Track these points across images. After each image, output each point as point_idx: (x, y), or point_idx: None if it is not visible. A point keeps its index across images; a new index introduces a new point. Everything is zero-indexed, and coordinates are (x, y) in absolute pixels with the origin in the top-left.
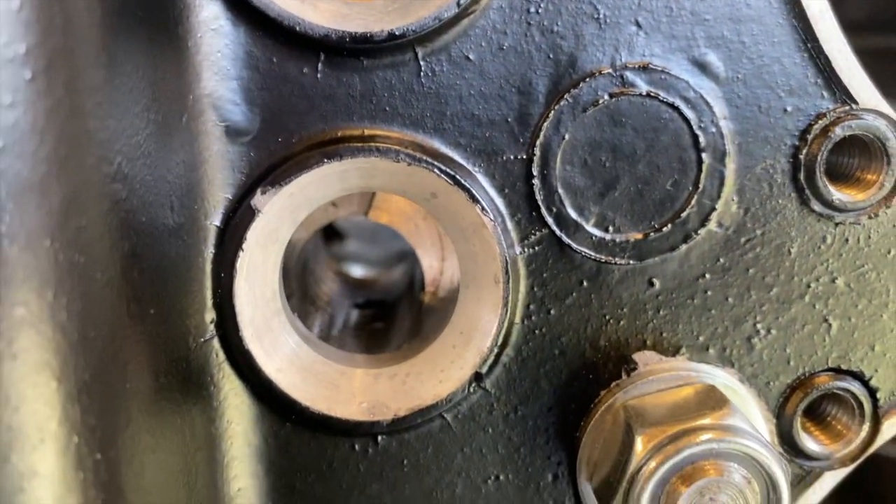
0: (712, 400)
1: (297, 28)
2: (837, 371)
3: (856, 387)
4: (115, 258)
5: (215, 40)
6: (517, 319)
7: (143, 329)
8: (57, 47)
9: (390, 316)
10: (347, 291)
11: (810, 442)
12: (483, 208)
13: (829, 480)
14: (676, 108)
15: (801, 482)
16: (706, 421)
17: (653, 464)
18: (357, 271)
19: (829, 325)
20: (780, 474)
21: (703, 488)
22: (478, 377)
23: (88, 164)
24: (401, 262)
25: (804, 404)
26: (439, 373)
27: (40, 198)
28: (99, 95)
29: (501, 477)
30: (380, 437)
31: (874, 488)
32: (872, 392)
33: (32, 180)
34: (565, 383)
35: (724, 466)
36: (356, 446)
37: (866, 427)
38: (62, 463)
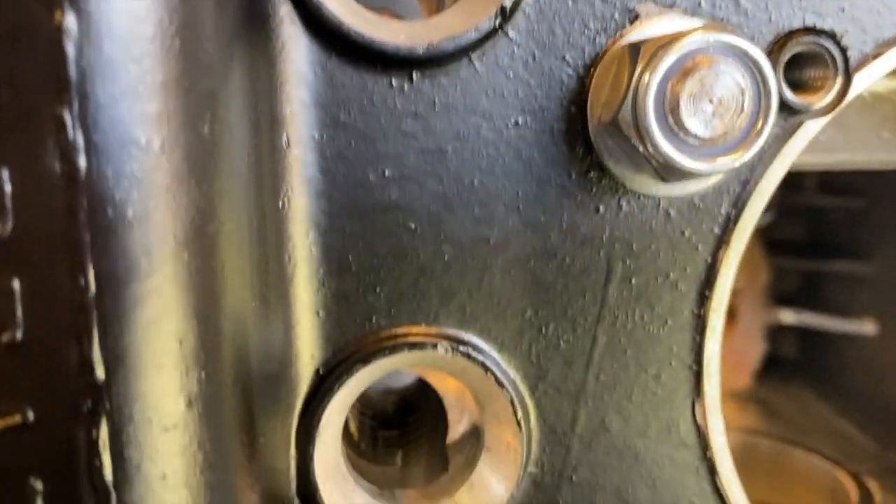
0: None
1: None
2: (813, 30)
3: (829, 44)
4: None
5: None
6: None
7: None
8: None
9: None
10: None
11: (792, 96)
12: None
13: (808, 131)
14: None
15: (784, 134)
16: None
17: (654, 64)
18: None
19: None
20: (769, 67)
21: (703, 79)
22: (503, 12)
23: None
24: None
25: (786, 57)
26: (469, 10)
27: None
28: None
29: (521, 121)
30: (414, 74)
31: None
32: (843, 50)
33: None
34: (577, 32)
35: (718, 59)
36: (393, 83)
37: (839, 80)
38: None
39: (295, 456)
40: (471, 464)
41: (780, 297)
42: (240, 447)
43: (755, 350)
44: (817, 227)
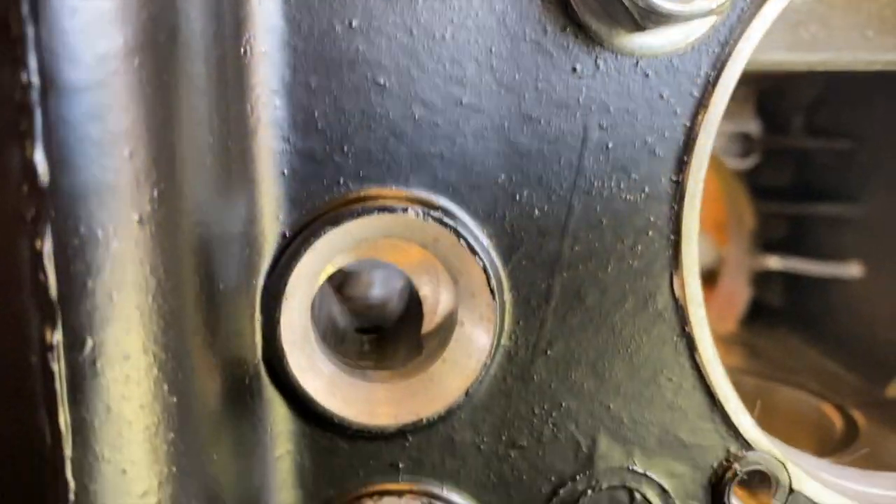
0: None
1: None
2: None
3: None
4: None
5: None
6: None
7: None
8: None
9: None
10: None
11: None
12: None
13: None
14: None
15: None
16: None
17: None
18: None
19: None
20: None
21: None
22: None
23: None
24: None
25: None
26: None
27: None
28: None
29: None
30: None
31: None
32: None
33: None
34: None
35: None
36: None
37: None
38: None
39: (261, 320)
40: (444, 343)
41: (767, 244)
42: (198, 288)
43: (741, 296)
44: (803, 172)
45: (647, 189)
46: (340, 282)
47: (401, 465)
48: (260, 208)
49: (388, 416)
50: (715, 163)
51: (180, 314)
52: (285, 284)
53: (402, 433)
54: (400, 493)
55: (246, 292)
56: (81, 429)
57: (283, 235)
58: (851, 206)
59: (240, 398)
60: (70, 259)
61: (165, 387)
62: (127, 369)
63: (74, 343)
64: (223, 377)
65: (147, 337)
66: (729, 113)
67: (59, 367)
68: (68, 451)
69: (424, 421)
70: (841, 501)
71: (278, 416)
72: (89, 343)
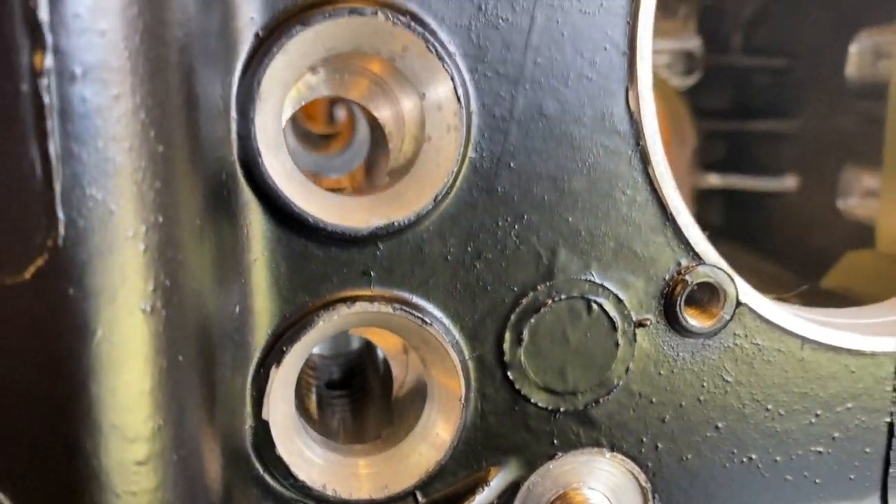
0: None
1: None
2: None
3: None
4: None
5: None
6: None
7: None
8: None
9: None
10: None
11: None
12: None
13: None
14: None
15: None
16: None
17: None
18: None
19: None
20: None
21: None
22: None
23: None
24: None
25: None
26: None
27: None
28: None
29: None
30: None
31: None
32: None
33: None
34: None
35: None
36: None
37: None
38: None
39: (236, 119)
40: (412, 162)
41: (708, 164)
42: (177, 67)
43: None
44: (742, 90)
45: (604, 3)
46: None
47: (373, 274)
48: (235, 7)
49: (361, 220)
50: (659, 83)
51: (164, 65)
52: (259, 83)
53: (373, 239)
54: (371, 299)
55: (221, 88)
56: (70, 160)
57: (257, 35)
58: (787, 121)
59: (218, 190)
60: None
61: (153, 133)
62: (115, 107)
63: (64, 70)
64: (202, 158)
65: (134, 77)
66: (672, 31)
67: (49, 97)
68: (58, 184)
69: (395, 224)
70: (782, 313)
71: (254, 219)
72: (78, 70)
